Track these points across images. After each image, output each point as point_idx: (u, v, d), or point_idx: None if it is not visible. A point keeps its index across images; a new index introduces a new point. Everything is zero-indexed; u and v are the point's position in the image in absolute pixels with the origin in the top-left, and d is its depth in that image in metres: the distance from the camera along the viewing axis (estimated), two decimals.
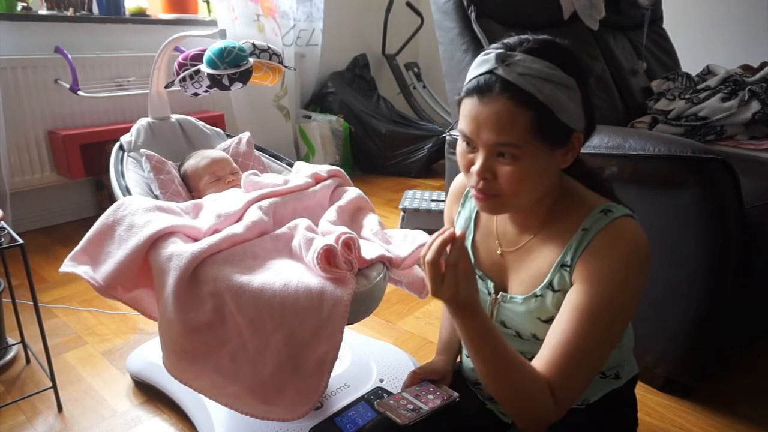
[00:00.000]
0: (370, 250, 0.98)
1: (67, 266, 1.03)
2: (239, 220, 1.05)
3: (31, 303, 1.23)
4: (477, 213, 0.90)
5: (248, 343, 0.90)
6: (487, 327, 0.70)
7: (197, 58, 1.37)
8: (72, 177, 2.38)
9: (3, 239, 1.23)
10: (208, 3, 2.95)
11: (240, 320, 0.90)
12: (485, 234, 0.88)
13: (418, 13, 3.70)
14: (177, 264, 0.91)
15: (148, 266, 0.97)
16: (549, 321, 0.77)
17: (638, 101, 2.04)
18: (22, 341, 1.48)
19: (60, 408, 1.32)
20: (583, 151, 1.23)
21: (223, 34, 1.38)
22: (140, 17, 2.59)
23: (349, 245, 0.92)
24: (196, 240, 0.99)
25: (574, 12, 1.90)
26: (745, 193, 1.14)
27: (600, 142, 1.23)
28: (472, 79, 0.69)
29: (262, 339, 0.89)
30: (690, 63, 2.28)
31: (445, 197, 2.00)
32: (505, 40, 0.70)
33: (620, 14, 2.11)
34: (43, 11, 2.36)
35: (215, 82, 1.30)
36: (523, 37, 0.69)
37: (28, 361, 1.50)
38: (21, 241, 1.19)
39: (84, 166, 2.36)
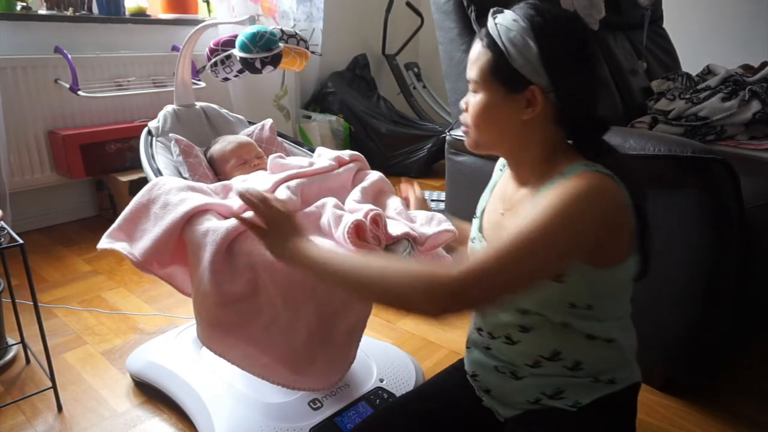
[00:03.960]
0: (395, 227, 1.01)
1: (105, 243, 1.05)
2: None
3: (31, 303, 1.23)
4: (496, 185, 0.94)
5: (281, 314, 0.93)
6: (321, 263, 0.77)
7: (228, 43, 1.41)
8: (72, 177, 2.38)
9: (3, 239, 1.23)
10: (208, 3, 2.95)
11: (273, 292, 0.92)
12: (495, 200, 0.91)
13: (418, 13, 3.70)
14: (213, 239, 0.94)
15: (183, 243, 1.00)
16: None
17: (638, 101, 2.04)
18: (22, 341, 1.48)
19: (60, 408, 1.32)
20: None
21: (252, 20, 1.42)
22: (140, 17, 2.59)
23: (377, 221, 0.95)
24: (227, 218, 1.01)
25: (574, 12, 1.90)
26: (745, 193, 1.14)
27: None
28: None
29: (294, 310, 0.91)
30: (690, 63, 2.28)
31: (445, 197, 2.00)
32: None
33: (620, 14, 2.11)
34: (43, 11, 2.36)
35: (248, 65, 1.34)
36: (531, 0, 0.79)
37: (28, 361, 1.50)
38: (21, 241, 1.19)
39: (84, 166, 2.36)
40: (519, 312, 0.83)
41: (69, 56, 2.25)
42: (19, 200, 2.34)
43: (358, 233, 0.92)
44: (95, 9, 2.49)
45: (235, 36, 1.37)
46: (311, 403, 1.16)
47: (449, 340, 1.61)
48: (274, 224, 0.84)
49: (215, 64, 1.41)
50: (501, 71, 0.77)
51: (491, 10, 0.80)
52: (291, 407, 1.15)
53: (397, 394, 1.23)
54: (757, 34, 2.83)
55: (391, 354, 1.39)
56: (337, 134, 3.35)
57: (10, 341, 1.52)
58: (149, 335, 1.63)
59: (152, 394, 1.35)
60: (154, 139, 1.36)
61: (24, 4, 2.29)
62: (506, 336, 0.85)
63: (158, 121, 1.40)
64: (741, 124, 1.82)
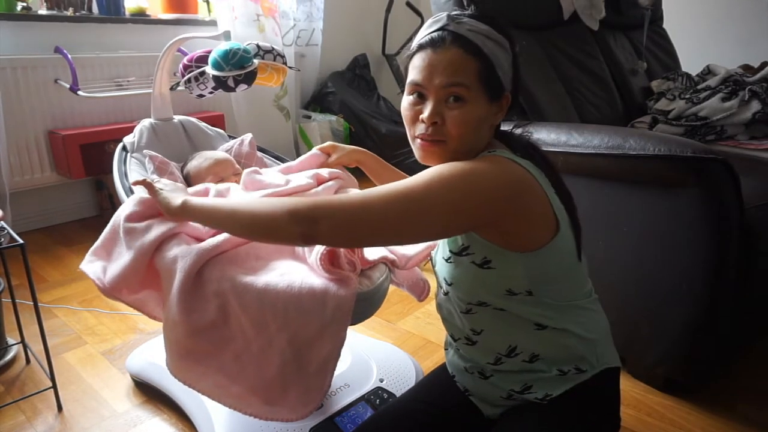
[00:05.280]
0: (372, 251, 0.98)
1: (86, 264, 1.03)
2: None
3: (31, 303, 1.23)
4: None
5: (252, 343, 0.90)
6: (207, 211, 0.84)
7: (202, 59, 1.37)
8: (72, 177, 2.38)
9: (3, 239, 1.23)
10: (208, 3, 2.95)
11: (244, 320, 0.90)
12: None
13: (418, 13, 3.70)
14: (182, 266, 0.92)
15: (154, 268, 0.98)
16: (448, 260, 0.84)
17: (638, 101, 2.04)
18: (22, 341, 1.48)
19: (60, 408, 1.32)
20: (583, 151, 1.24)
21: (227, 35, 1.38)
22: (140, 17, 2.59)
23: None
24: (199, 240, 0.99)
25: (574, 12, 1.90)
26: (745, 193, 1.14)
27: (600, 142, 1.23)
28: (425, 36, 0.79)
29: (266, 339, 0.89)
30: (690, 63, 2.28)
31: None
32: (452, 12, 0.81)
33: (620, 14, 2.11)
34: (43, 11, 2.36)
35: (220, 83, 1.31)
36: (466, 10, 0.81)
37: (28, 361, 1.50)
38: (21, 242, 1.19)
39: (84, 166, 2.36)
40: (464, 313, 0.85)
41: (69, 56, 2.25)
42: (19, 200, 2.34)
43: (332, 259, 0.89)
44: (95, 9, 2.49)
45: (209, 52, 1.33)
46: None
47: None
48: (168, 188, 0.96)
49: (189, 80, 1.37)
50: (487, 79, 0.77)
51: (450, 15, 0.79)
52: None
53: (397, 394, 1.22)
54: (757, 34, 2.83)
55: (391, 354, 1.39)
56: (337, 134, 3.35)
57: (10, 341, 1.52)
58: (149, 335, 1.63)
59: (152, 394, 1.35)
60: (128, 155, 1.33)
61: (24, 4, 2.29)
62: (466, 337, 0.88)
63: (134, 136, 1.37)
64: (741, 124, 1.82)
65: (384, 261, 0.98)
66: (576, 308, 0.83)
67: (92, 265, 1.02)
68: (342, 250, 0.90)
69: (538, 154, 0.83)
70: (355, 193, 0.72)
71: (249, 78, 1.32)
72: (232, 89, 1.32)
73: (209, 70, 1.31)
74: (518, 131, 0.88)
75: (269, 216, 0.73)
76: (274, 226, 0.73)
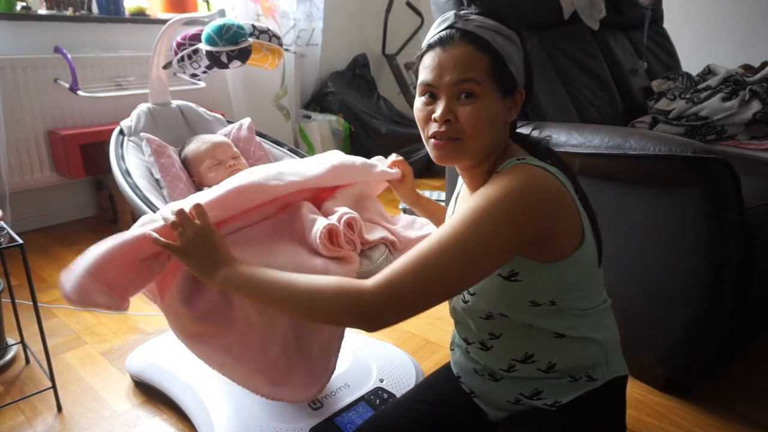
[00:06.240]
0: (373, 231, 0.99)
1: (84, 296, 0.86)
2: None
3: (31, 303, 1.23)
4: (460, 191, 0.93)
5: (255, 325, 0.91)
6: (251, 287, 0.78)
7: (196, 37, 1.36)
8: (72, 177, 2.38)
9: (3, 239, 1.23)
10: (207, 3, 2.95)
11: (246, 304, 0.91)
12: (457, 210, 0.91)
13: (418, 13, 3.70)
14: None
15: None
16: None
17: (638, 101, 2.04)
18: (22, 341, 1.47)
19: (59, 408, 1.32)
20: (583, 151, 1.24)
21: (222, 13, 1.37)
22: (140, 17, 2.59)
23: (351, 225, 0.93)
24: None
25: (574, 12, 1.90)
26: (746, 193, 1.14)
27: (600, 142, 1.23)
28: (434, 35, 0.78)
29: (268, 321, 0.90)
30: (690, 63, 2.28)
31: (446, 197, 2.01)
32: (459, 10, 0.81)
33: (620, 14, 2.11)
34: (43, 11, 2.36)
35: (213, 59, 1.30)
36: (468, 9, 0.80)
37: (27, 361, 1.50)
38: (21, 242, 1.19)
39: (84, 166, 2.36)
40: (483, 318, 0.84)
41: (69, 56, 2.25)
42: (18, 200, 2.34)
43: (331, 238, 0.89)
44: (95, 9, 2.49)
45: (203, 31, 1.33)
46: (311, 403, 1.16)
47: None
48: (193, 246, 0.82)
49: (182, 59, 1.36)
50: (498, 74, 0.76)
51: (457, 14, 0.78)
52: (291, 407, 1.15)
53: (397, 395, 1.22)
54: (757, 34, 2.83)
55: (391, 354, 1.39)
56: (337, 134, 3.35)
57: (10, 341, 1.52)
58: (149, 335, 1.63)
59: (152, 394, 1.35)
60: (125, 138, 1.32)
61: (24, 4, 2.29)
62: (480, 342, 0.87)
63: (131, 120, 1.36)
64: (741, 124, 1.81)
65: (384, 242, 0.98)
66: (594, 316, 0.82)
67: (97, 297, 0.87)
68: (341, 228, 0.92)
69: (558, 160, 0.81)
70: (408, 260, 0.69)
71: (243, 55, 1.30)
72: (226, 65, 1.30)
73: (202, 45, 1.30)
74: (536, 134, 0.86)
75: (332, 310, 0.72)
76: (337, 320, 0.74)
